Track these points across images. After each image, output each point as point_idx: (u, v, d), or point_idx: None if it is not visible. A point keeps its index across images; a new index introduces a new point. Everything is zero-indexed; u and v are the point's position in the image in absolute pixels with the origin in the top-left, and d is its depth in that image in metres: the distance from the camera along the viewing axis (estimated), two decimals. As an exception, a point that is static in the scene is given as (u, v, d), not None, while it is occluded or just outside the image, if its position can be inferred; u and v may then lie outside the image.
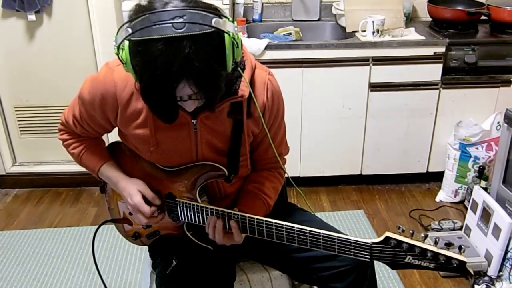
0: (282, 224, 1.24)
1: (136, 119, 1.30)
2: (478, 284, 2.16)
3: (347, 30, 2.81)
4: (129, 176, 1.40)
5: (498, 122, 2.73)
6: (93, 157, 1.44)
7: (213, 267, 1.41)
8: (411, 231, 1.12)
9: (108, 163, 1.43)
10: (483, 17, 2.88)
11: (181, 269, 1.39)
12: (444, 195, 2.90)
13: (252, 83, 1.30)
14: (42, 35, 2.78)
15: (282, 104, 1.39)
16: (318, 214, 1.59)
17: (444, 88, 2.77)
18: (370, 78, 2.72)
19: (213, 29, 1.02)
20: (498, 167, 2.35)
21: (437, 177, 2.98)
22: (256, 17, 3.08)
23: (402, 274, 2.30)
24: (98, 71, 1.34)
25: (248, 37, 2.82)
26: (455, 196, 2.86)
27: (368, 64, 2.69)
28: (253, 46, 2.58)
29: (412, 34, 2.77)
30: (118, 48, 1.06)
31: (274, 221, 1.25)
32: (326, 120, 2.81)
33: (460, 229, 2.54)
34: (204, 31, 1.01)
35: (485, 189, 2.46)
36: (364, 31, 2.70)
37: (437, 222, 2.60)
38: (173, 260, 1.41)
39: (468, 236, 2.42)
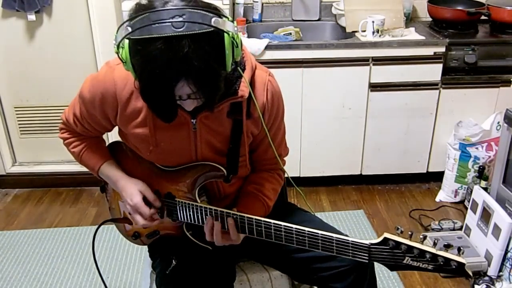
0: (281, 225, 1.24)
1: (136, 118, 1.30)
2: (478, 284, 2.16)
3: (347, 30, 2.81)
4: (129, 176, 1.40)
5: (498, 122, 2.73)
6: (93, 156, 1.44)
7: (212, 267, 1.41)
8: (409, 232, 1.12)
9: (108, 162, 1.43)
10: (483, 17, 2.88)
11: (180, 269, 1.39)
12: (444, 195, 2.90)
13: (252, 83, 1.30)
14: (42, 35, 2.78)
15: (282, 105, 1.39)
16: (318, 214, 1.59)
17: (444, 88, 2.77)
18: (370, 78, 2.72)
19: (212, 29, 1.02)
20: (498, 167, 2.35)
21: (437, 177, 2.98)
22: (256, 17, 3.08)
23: (402, 274, 2.30)
24: (98, 70, 1.34)
25: (248, 37, 2.82)
26: (455, 196, 2.86)
27: (368, 64, 2.69)
28: (253, 46, 2.58)
29: (412, 34, 2.77)
30: (118, 46, 1.06)
31: (272, 221, 1.25)
32: (326, 120, 2.81)
33: (460, 229, 2.53)
34: (204, 31, 1.01)
35: (485, 189, 2.46)
36: (364, 31, 2.70)
37: (437, 222, 2.60)
38: (173, 260, 1.41)
39: (468, 236, 2.42)
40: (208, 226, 1.31)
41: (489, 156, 2.73)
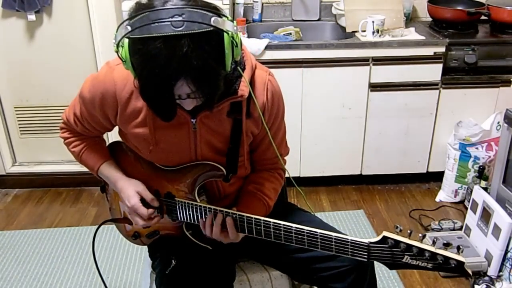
0: (280, 224, 1.24)
1: (136, 118, 1.30)
2: (478, 284, 2.16)
3: (347, 30, 2.81)
4: (129, 176, 1.41)
5: (498, 122, 2.73)
6: (93, 156, 1.44)
7: (212, 267, 1.40)
8: (409, 231, 1.12)
9: (108, 162, 1.44)
10: (483, 17, 2.88)
11: (180, 269, 1.39)
12: (444, 195, 2.90)
13: (252, 83, 1.30)
14: (42, 35, 2.78)
15: (282, 105, 1.39)
16: (318, 214, 1.59)
17: (444, 88, 2.77)
18: (370, 78, 2.71)
19: (212, 28, 1.02)
20: (498, 167, 2.35)
21: (437, 177, 2.98)
22: (256, 17, 3.08)
23: (402, 274, 2.30)
24: (98, 70, 1.34)
25: (248, 37, 2.82)
26: (455, 196, 2.86)
27: (368, 64, 2.69)
28: (253, 46, 2.58)
29: (412, 34, 2.77)
30: (118, 45, 1.07)
31: (272, 220, 1.25)
32: (326, 120, 2.81)
33: (460, 229, 2.53)
34: (203, 30, 1.01)
35: (485, 189, 2.46)
36: (364, 31, 2.70)
37: (437, 222, 2.60)
38: (173, 260, 1.41)
39: (468, 236, 2.42)
40: (207, 222, 1.31)
41: (489, 156, 2.73)
